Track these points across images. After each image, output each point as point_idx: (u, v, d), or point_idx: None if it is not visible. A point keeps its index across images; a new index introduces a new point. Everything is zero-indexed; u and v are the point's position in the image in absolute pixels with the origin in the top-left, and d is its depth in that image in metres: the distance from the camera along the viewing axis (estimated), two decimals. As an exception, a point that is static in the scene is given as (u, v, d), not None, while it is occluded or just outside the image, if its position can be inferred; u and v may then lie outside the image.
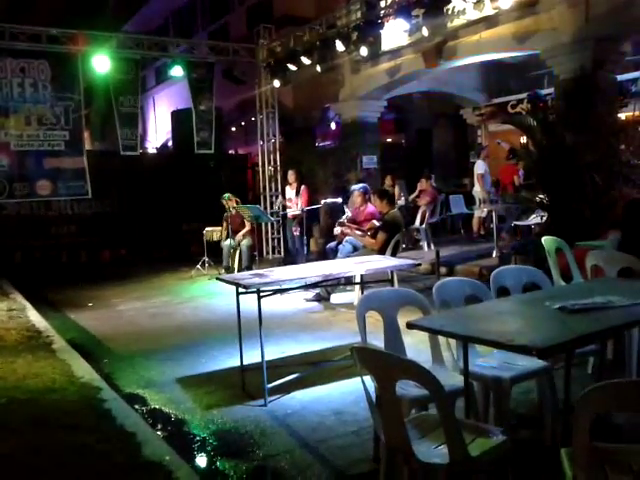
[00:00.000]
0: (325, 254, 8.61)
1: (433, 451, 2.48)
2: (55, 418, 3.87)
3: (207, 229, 10.86)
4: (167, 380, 5.03)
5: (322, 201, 10.61)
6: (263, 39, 12.46)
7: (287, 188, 11.02)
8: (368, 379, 2.59)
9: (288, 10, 15.18)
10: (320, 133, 16.81)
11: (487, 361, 3.40)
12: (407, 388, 2.90)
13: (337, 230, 8.18)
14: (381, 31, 10.11)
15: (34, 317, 7.11)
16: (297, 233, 10.21)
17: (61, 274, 11.26)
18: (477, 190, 12.27)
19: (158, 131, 22.25)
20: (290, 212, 10.50)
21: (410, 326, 2.88)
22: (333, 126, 15.74)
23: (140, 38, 11.69)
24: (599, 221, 6.97)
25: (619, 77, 8.87)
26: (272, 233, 12.93)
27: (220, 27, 19.05)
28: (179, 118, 15.32)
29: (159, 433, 3.94)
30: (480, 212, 12.08)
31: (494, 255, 9.53)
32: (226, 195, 10.26)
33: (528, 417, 3.74)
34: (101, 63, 10.68)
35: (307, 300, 7.84)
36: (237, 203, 10.30)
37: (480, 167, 12.51)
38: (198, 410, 4.33)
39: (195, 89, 12.13)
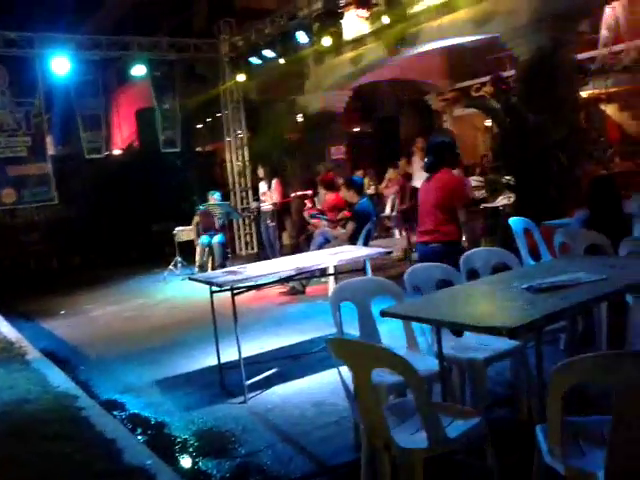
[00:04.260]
0: (299, 247, 8.63)
1: (412, 436, 2.51)
2: (33, 429, 3.83)
3: (177, 229, 10.77)
4: (145, 384, 5.00)
5: (292, 194, 10.60)
6: (225, 33, 12.35)
7: (260, 183, 10.97)
8: (345, 369, 2.60)
9: (249, 3, 15.06)
10: (287, 125, 16.73)
11: (461, 343, 3.44)
12: (384, 375, 2.93)
13: (307, 218, 8.15)
14: (342, 20, 10.09)
15: (5, 328, 7.00)
16: (273, 224, 10.14)
17: (31, 282, 11.08)
18: None
19: (123, 132, 21.93)
20: (263, 206, 10.46)
21: (383, 314, 2.90)
22: (300, 118, 15.68)
23: (99, 38, 11.48)
24: (565, 199, 7.08)
25: (578, 56, 8.99)
26: (245, 229, 12.88)
27: (181, 22, 18.81)
28: (143, 118, 15.13)
29: (139, 438, 3.92)
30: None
31: (464, 238, 9.59)
32: (212, 193, 10.26)
33: (504, 396, 3.80)
34: (60, 65, 10.47)
35: (282, 294, 7.85)
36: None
37: None
38: (178, 412, 4.31)
39: (158, 87, 11.97)
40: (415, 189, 12.00)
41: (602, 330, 3.86)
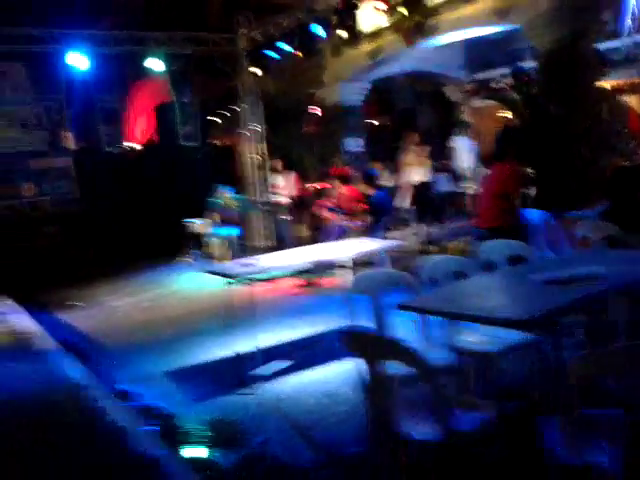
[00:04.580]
0: (315, 240, 8.61)
1: (424, 428, 2.48)
2: (44, 419, 3.86)
3: (195, 221, 10.83)
4: (160, 373, 5.01)
5: (309, 187, 10.59)
6: (242, 27, 12.33)
7: (276, 176, 10.96)
8: (359, 361, 2.58)
9: (265, -4, 15.01)
10: (305, 119, 16.71)
11: (475, 336, 3.40)
12: (397, 367, 2.89)
13: (322, 214, 8.15)
14: (359, 12, 10.03)
15: (24, 319, 7.08)
16: (287, 217, 10.14)
17: (50, 275, 11.18)
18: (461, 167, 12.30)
19: (142, 126, 22.05)
20: (279, 200, 10.45)
21: (400, 307, 2.89)
22: (319, 111, 15.65)
23: (116, 34, 11.53)
24: (587, 192, 6.97)
25: (600, 46, 8.82)
26: (262, 222, 12.88)
27: (197, 16, 18.86)
28: (162, 112, 15.20)
29: (151, 428, 3.92)
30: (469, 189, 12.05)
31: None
32: (222, 189, 10.28)
33: (518, 389, 3.74)
34: (79, 61, 10.55)
35: (297, 286, 7.84)
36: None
37: (462, 145, 12.55)
38: (190, 402, 4.32)
39: (176, 82, 12.04)
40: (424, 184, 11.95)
41: (619, 324, 3.78)
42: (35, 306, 8.37)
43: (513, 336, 3.21)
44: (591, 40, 8.29)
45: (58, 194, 11.20)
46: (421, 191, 11.55)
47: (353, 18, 10.14)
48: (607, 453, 2.01)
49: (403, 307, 2.90)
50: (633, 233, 3.99)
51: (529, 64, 10.47)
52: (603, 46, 9.12)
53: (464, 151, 12.76)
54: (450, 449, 2.39)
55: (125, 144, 12.90)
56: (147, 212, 13.06)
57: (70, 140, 13.13)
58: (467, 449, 2.46)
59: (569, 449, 2.08)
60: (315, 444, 3.47)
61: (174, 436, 3.75)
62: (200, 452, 3.56)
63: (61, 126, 11.04)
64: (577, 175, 7.33)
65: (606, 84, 9.01)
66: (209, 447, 3.59)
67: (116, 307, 8.11)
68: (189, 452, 3.59)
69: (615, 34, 9.31)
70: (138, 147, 18.82)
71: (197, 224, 10.81)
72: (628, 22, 8.94)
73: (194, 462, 3.40)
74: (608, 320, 3.86)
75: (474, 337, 3.39)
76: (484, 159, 13.40)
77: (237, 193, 11.26)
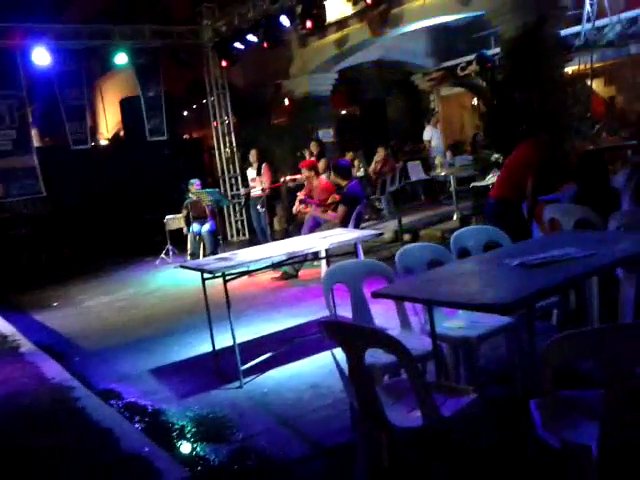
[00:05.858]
0: (289, 232, 8.63)
1: (407, 415, 2.53)
2: (29, 422, 3.83)
3: (168, 217, 10.75)
4: (141, 372, 5.00)
5: (282, 179, 10.57)
6: (207, 19, 12.22)
7: (248, 169, 10.91)
8: (339, 351, 2.61)
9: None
10: (274, 110, 16.66)
11: (454, 322, 3.47)
12: (377, 356, 2.94)
13: (296, 208, 8.19)
14: (325, 2, 10.01)
15: (-2, 322, 6.98)
16: (263, 210, 10.10)
17: (22, 276, 11.01)
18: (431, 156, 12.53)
19: (109, 122, 21.74)
20: (253, 192, 10.41)
21: (375, 295, 2.91)
22: (287, 102, 15.62)
23: (80, 27, 11.33)
24: (554, 175, 7.09)
25: (562, 32, 8.98)
26: (235, 216, 12.85)
27: (163, 9, 18.61)
28: (128, 106, 15.00)
29: (136, 426, 3.93)
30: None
31: (455, 218, 9.65)
32: (191, 181, 10.19)
33: (498, 373, 3.83)
34: (41, 56, 10.34)
35: (275, 279, 7.85)
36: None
37: (427, 134, 12.71)
38: (174, 399, 4.33)
39: (142, 76, 11.88)
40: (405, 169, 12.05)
41: (594, 305, 3.89)
42: (8, 307, 8.26)
43: (491, 321, 3.29)
44: (553, 26, 8.42)
45: (26, 194, 10.97)
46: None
47: (318, 7, 10.12)
48: (586, 434, 2.08)
49: (379, 295, 2.91)
50: (602, 216, 4.08)
51: (493, 50, 10.61)
52: (565, 32, 9.30)
53: (433, 139, 12.91)
54: (434, 435, 2.44)
55: (92, 140, 12.69)
56: (117, 209, 12.91)
57: (35, 138, 12.89)
58: (451, 435, 2.52)
59: (549, 431, 2.14)
60: (302, 436, 3.51)
61: (161, 433, 3.76)
62: (189, 448, 3.57)
63: (25, 124, 10.80)
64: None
65: (569, 69, 9.19)
66: (197, 442, 3.61)
67: (91, 307, 8.03)
68: (177, 448, 3.59)
69: (577, 20, 9.49)
70: (105, 143, 18.58)
71: (170, 220, 10.72)
72: (588, 8, 9.11)
73: (183, 458, 3.41)
74: (582, 301, 3.97)
75: (452, 323, 3.46)
76: (451, 146, 13.59)
77: (208, 187, 11.19)
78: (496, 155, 8.34)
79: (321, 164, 10.39)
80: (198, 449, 3.51)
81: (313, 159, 10.18)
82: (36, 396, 4.27)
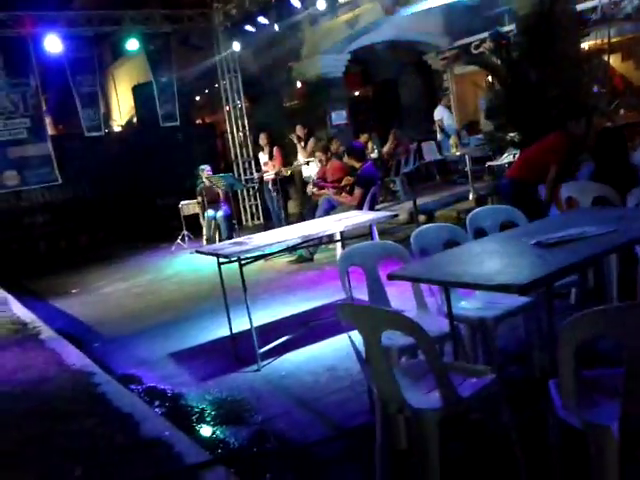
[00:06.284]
0: (304, 216, 8.61)
1: (425, 397, 2.52)
2: (51, 408, 3.88)
3: (183, 203, 10.79)
4: (160, 357, 5.05)
5: (295, 162, 10.54)
6: (217, 2, 12.14)
7: (260, 153, 10.89)
8: (356, 333, 2.61)
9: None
10: (286, 93, 16.55)
11: (471, 303, 3.45)
12: (394, 338, 2.94)
13: (310, 190, 8.18)
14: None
15: (18, 309, 7.06)
16: (274, 194, 10.11)
17: (41, 264, 11.14)
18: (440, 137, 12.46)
19: (122, 108, 21.74)
20: (266, 176, 10.40)
21: (390, 277, 2.90)
22: (299, 84, 15.51)
23: (90, 13, 11.31)
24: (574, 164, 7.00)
25: (578, 7, 8.79)
26: (249, 200, 12.85)
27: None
28: (141, 93, 14.98)
29: (156, 410, 3.97)
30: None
31: (470, 198, 9.58)
32: (201, 167, 10.18)
33: (516, 353, 3.81)
34: (53, 44, 10.35)
35: (290, 263, 7.86)
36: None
37: (437, 114, 12.58)
38: (193, 382, 4.37)
39: (153, 61, 11.86)
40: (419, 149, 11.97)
41: (612, 283, 3.85)
42: (29, 295, 8.36)
43: (508, 301, 3.27)
44: (569, 1, 8.24)
45: (41, 182, 11.05)
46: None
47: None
48: (606, 414, 2.06)
49: (394, 277, 2.89)
50: (621, 193, 4.02)
51: (508, 28, 10.43)
52: (581, 6, 9.11)
53: (445, 118, 12.78)
54: (452, 416, 2.43)
55: (105, 127, 12.73)
56: (132, 196, 12.98)
57: (49, 126, 12.94)
58: (469, 415, 2.51)
59: (569, 411, 2.12)
60: (320, 418, 3.52)
61: (181, 416, 3.79)
62: (208, 431, 3.60)
63: (39, 112, 10.85)
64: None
65: (585, 44, 9.01)
66: (217, 426, 3.64)
67: (109, 293, 8.11)
68: (197, 431, 3.63)
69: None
70: (119, 129, 18.60)
71: (185, 206, 10.76)
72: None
73: (203, 441, 3.44)
74: (601, 279, 3.93)
75: (470, 304, 3.44)
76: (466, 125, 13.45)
77: (221, 171, 11.19)
78: (512, 134, 8.22)
79: (310, 143, 10.41)
80: (218, 432, 3.55)
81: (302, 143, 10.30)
82: (58, 382, 4.32)
